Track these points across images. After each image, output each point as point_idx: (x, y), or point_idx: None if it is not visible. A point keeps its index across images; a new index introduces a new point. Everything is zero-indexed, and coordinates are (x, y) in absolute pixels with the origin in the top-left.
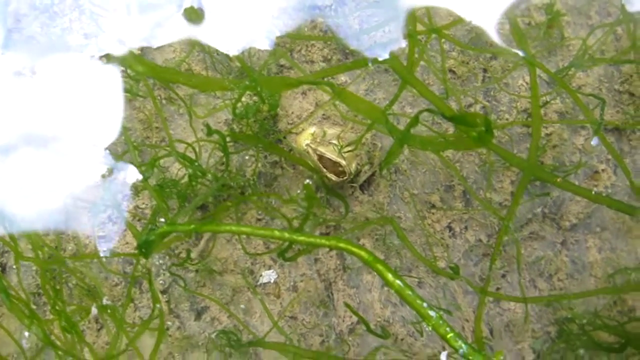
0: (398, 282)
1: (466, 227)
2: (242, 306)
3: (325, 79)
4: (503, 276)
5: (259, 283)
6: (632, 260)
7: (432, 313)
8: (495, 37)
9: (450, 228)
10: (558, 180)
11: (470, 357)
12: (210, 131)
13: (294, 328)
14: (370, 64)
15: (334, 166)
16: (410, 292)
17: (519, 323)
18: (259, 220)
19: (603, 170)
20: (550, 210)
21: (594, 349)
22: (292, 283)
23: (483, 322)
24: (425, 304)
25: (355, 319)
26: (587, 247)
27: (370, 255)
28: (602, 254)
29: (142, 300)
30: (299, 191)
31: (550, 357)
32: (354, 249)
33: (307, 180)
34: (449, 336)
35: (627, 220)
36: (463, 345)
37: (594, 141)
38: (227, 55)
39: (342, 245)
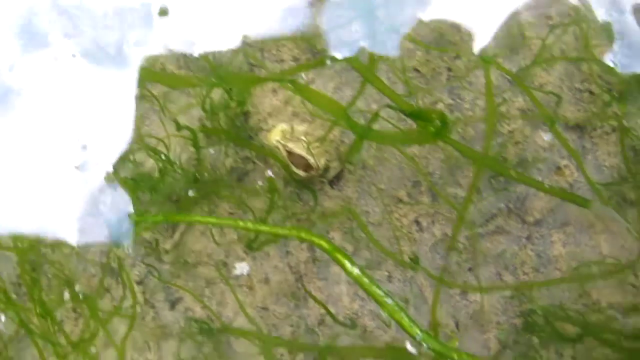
0: (356, 269)
1: (433, 222)
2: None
3: (295, 77)
4: (470, 269)
5: (232, 275)
6: (596, 255)
7: (388, 300)
8: (457, 37)
9: (417, 222)
10: (511, 172)
11: (426, 343)
12: (179, 126)
13: (266, 318)
14: (329, 62)
15: (303, 162)
16: (367, 280)
17: (485, 315)
18: (231, 214)
19: (565, 166)
20: (515, 206)
21: (552, 340)
22: (264, 275)
23: (449, 315)
24: (381, 292)
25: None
26: (552, 241)
27: (330, 244)
28: (566, 248)
29: (119, 291)
30: (260, 182)
31: (516, 347)
32: (314, 239)
33: (269, 173)
34: (404, 322)
35: (589, 216)
36: (419, 331)
37: (547, 137)
38: (192, 55)
39: (303, 235)
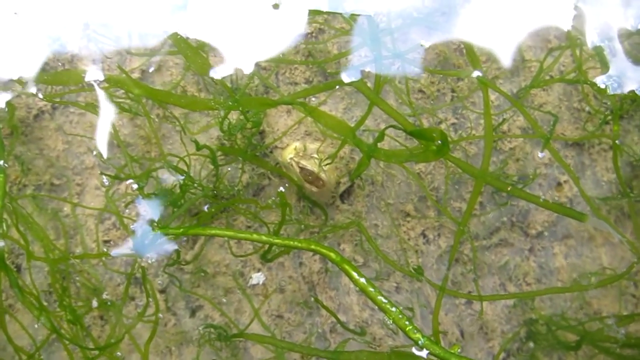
0: (362, 280)
1: (439, 234)
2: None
3: (307, 99)
4: (474, 280)
5: (249, 285)
6: (597, 266)
7: (393, 308)
8: (460, 60)
9: (424, 235)
10: (508, 188)
11: (428, 349)
12: (198, 146)
13: (280, 326)
14: (337, 87)
15: (315, 178)
16: (372, 289)
17: (490, 324)
18: (249, 227)
19: (565, 181)
20: (518, 219)
21: (554, 348)
22: (279, 285)
23: (455, 323)
24: (385, 300)
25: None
26: (554, 253)
27: (338, 255)
28: (567, 260)
29: (142, 299)
30: (273, 197)
31: (520, 356)
32: (324, 250)
33: (281, 188)
34: (407, 329)
35: (590, 229)
36: (421, 337)
37: (541, 154)
38: (212, 79)
39: (313, 247)
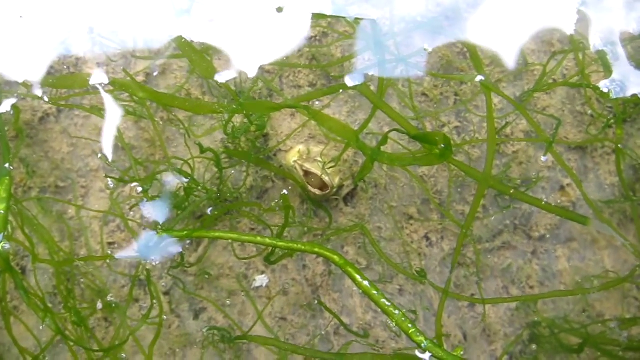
0: (365, 283)
1: (442, 237)
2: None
3: (311, 102)
4: (477, 283)
5: (252, 287)
6: (600, 270)
7: (396, 311)
8: (463, 64)
9: (427, 238)
10: (511, 191)
11: (431, 351)
12: (203, 149)
13: (284, 328)
14: (340, 91)
15: (318, 181)
16: (376, 292)
17: (492, 327)
18: (252, 229)
19: (568, 185)
20: (521, 222)
21: (557, 351)
22: (282, 287)
23: (457, 326)
24: (388, 303)
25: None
26: (557, 256)
27: (342, 258)
28: (570, 263)
29: (146, 301)
30: (276, 200)
31: (523, 359)
32: (327, 253)
33: (284, 191)
34: (411, 332)
35: (593, 232)
36: (424, 340)
37: (544, 157)
38: (217, 82)
39: (316, 249)
